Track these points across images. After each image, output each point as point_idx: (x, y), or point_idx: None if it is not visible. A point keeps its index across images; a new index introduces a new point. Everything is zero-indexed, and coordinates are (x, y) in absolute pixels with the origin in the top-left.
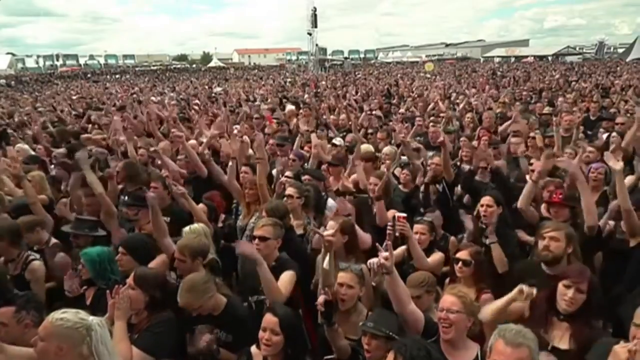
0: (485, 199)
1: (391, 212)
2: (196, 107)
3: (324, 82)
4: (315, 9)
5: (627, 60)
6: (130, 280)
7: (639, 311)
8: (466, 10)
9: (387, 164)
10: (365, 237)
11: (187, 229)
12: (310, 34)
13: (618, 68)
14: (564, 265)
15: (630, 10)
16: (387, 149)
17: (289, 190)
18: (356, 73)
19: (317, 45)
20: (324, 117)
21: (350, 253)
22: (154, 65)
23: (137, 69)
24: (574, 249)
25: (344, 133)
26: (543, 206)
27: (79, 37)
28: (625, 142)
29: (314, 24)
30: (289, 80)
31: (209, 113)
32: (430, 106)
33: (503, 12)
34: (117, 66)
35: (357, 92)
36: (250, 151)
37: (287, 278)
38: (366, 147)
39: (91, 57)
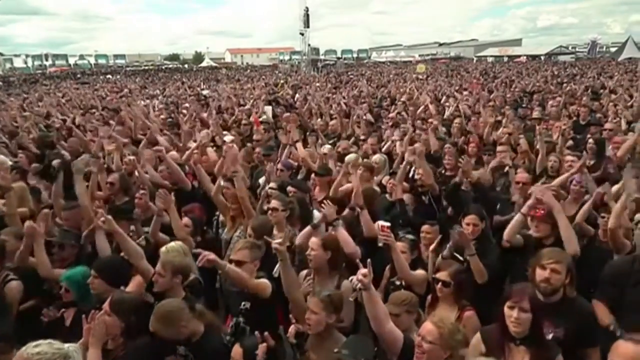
0: (471, 218)
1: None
2: (185, 111)
3: (316, 84)
4: (307, 9)
5: (619, 59)
6: (106, 306)
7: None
8: (459, 9)
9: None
10: (353, 249)
11: (163, 249)
12: (302, 34)
13: (610, 68)
14: (560, 295)
15: (622, 9)
16: (376, 157)
17: (273, 203)
18: (349, 73)
19: (309, 45)
20: (312, 122)
21: (334, 269)
22: (145, 65)
23: (128, 69)
24: (571, 280)
25: (334, 139)
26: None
27: (69, 36)
28: (620, 153)
29: (306, 24)
30: (281, 81)
31: (197, 119)
32: (421, 109)
33: (496, 11)
34: (108, 66)
35: (348, 95)
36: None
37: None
38: (351, 157)
39: (81, 57)
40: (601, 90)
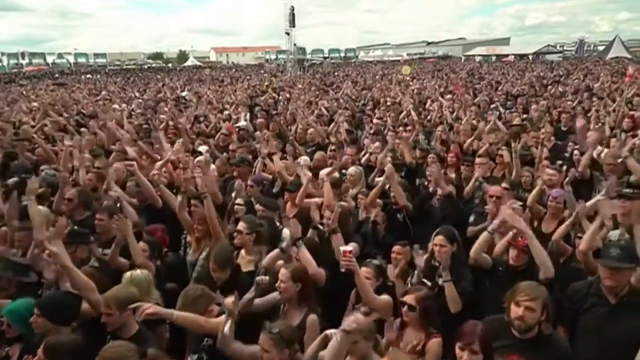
0: (438, 239)
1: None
2: (163, 116)
3: (300, 86)
4: (293, 8)
5: (606, 59)
6: (40, 352)
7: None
8: (449, 8)
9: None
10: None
11: (127, 275)
12: (288, 34)
13: (597, 69)
14: (535, 332)
15: (610, 7)
16: (351, 170)
17: (240, 226)
18: (335, 74)
19: (295, 45)
20: (291, 130)
21: (303, 301)
22: (127, 65)
23: (109, 68)
24: (547, 316)
25: (313, 148)
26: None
27: (48, 34)
28: (581, 165)
29: (292, 23)
30: (265, 84)
31: (172, 127)
32: (403, 114)
33: (485, 9)
34: (88, 65)
35: (331, 99)
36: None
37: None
38: (326, 171)
39: (60, 55)
40: (585, 94)
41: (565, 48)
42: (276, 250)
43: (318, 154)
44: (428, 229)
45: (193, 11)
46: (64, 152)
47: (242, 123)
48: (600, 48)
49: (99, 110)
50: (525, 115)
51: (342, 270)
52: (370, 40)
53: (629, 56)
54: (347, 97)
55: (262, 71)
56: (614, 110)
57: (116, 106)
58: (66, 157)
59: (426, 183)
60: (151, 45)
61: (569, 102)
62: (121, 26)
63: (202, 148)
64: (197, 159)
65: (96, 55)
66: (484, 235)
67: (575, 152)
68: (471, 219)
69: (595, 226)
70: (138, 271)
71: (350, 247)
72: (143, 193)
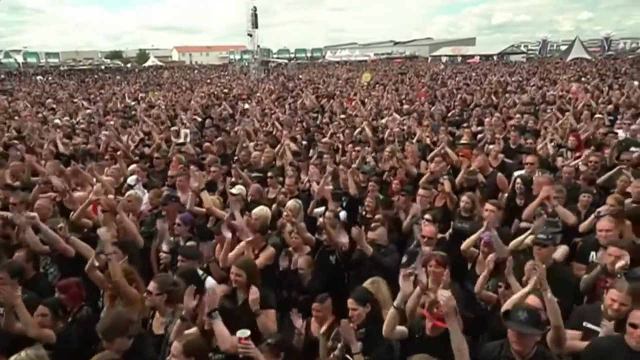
0: (349, 302)
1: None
2: (106, 133)
3: (259, 94)
4: (255, 9)
5: (567, 60)
6: None
7: None
8: (416, 6)
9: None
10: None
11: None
12: (250, 35)
13: (557, 72)
14: None
15: (573, 6)
16: (290, 204)
17: (150, 286)
18: (299, 76)
19: (259, 46)
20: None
21: None
22: (82, 65)
23: (62, 68)
24: None
25: (258, 172)
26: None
27: None
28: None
29: (255, 24)
30: (225, 90)
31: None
32: (357, 131)
33: (452, 8)
34: (38, 65)
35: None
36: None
37: None
38: (258, 211)
39: (7, 54)
40: (542, 105)
41: (529, 48)
42: (179, 322)
43: (252, 188)
44: (364, 274)
45: (154, 7)
46: None
47: (180, 140)
48: (563, 47)
49: (33, 127)
50: (480, 128)
51: (240, 356)
52: (338, 39)
53: (588, 57)
54: (303, 109)
55: (225, 73)
56: (562, 125)
57: (58, 121)
58: None
59: (364, 213)
60: (109, 43)
61: (518, 116)
62: (76, 22)
63: (131, 179)
64: (127, 194)
65: (48, 54)
66: (391, 313)
67: (518, 180)
68: (404, 259)
69: (522, 293)
70: (23, 353)
71: (246, 332)
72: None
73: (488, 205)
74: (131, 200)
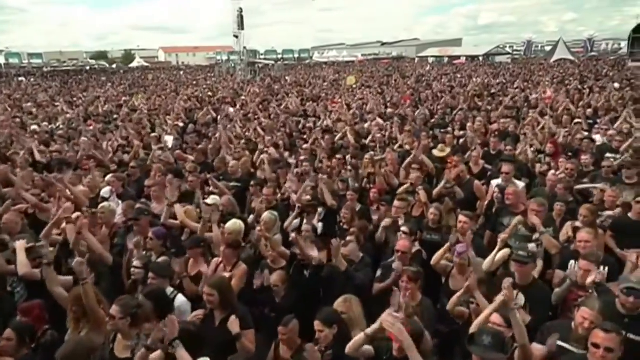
0: (316, 323)
1: None
2: (85, 139)
3: (243, 97)
4: (241, 10)
5: (551, 61)
6: None
7: None
8: (404, 6)
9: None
10: None
11: None
12: (236, 37)
13: (541, 73)
14: None
15: (557, 7)
16: (265, 216)
17: (112, 310)
18: (286, 77)
19: (245, 47)
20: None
21: None
22: (65, 66)
23: (45, 69)
24: None
25: (237, 183)
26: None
27: None
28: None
29: (241, 25)
30: (209, 93)
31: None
32: (338, 137)
33: (440, 9)
34: (21, 66)
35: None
36: None
37: None
38: (231, 225)
39: None
40: (525, 109)
41: (515, 48)
42: (143, 351)
43: (224, 199)
44: (336, 290)
45: (140, 7)
46: None
47: (162, 146)
48: (548, 48)
49: (9, 134)
50: (462, 132)
51: None
52: (327, 39)
53: (572, 58)
54: (287, 113)
55: (211, 74)
56: (541, 130)
57: (35, 127)
58: None
59: (341, 224)
60: (94, 44)
61: (502, 121)
62: (61, 22)
63: (104, 191)
64: (100, 206)
65: (31, 55)
66: (360, 337)
67: (496, 189)
68: (378, 272)
69: (487, 312)
70: None
71: None
72: None
73: (461, 217)
74: (104, 213)
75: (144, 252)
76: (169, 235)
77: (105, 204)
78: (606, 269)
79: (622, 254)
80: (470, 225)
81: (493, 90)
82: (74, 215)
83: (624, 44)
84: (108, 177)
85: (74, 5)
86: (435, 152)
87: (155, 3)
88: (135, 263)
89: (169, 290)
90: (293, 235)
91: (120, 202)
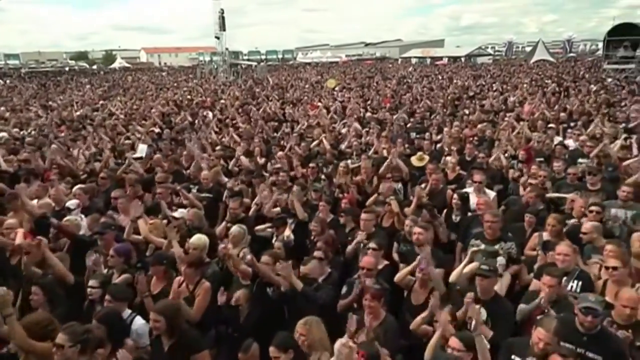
0: (270, 350)
1: None
2: (55, 146)
3: (223, 100)
4: (222, 11)
5: (531, 62)
6: None
7: None
8: (388, 7)
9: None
10: None
11: None
12: (218, 38)
13: (520, 75)
14: None
15: (538, 9)
16: (233, 230)
17: (58, 339)
18: (268, 78)
19: (227, 49)
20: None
21: None
22: (44, 67)
23: (23, 70)
24: None
25: (208, 193)
26: None
27: None
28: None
29: (222, 27)
30: (188, 97)
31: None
32: (314, 144)
33: (423, 9)
34: None
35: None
36: None
37: None
38: (196, 241)
39: None
40: (501, 112)
41: (496, 49)
42: None
43: (190, 212)
44: (300, 309)
45: (122, 6)
46: None
47: (137, 154)
48: (528, 49)
49: None
50: (439, 137)
51: None
52: (311, 40)
53: (551, 59)
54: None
55: (192, 76)
56: (516, 136)
57: (4, 134)
58: None
59: (312, 237)
60: (75, 44)
61: (480, 126)
62: (39, 22)
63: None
64: (64, 219)
65: (7, 56)
66: None
67: (455, 196)
68: (344, 289)
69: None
70: None
71: None
72: None
73: (416, 229)
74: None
75: (106, 270)
76: (133, 252)
77: (70, 217)
78: (579, 283)
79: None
80: (425, 236)
81: (472, 94)
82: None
83: (601, 45)
84: (75, 188)
85: (53, 5)
86: (414, 162)
87: (137, 3)
88: (92, 282)
89: (127, 312)
90: (248, 257)
91: (82, 216)
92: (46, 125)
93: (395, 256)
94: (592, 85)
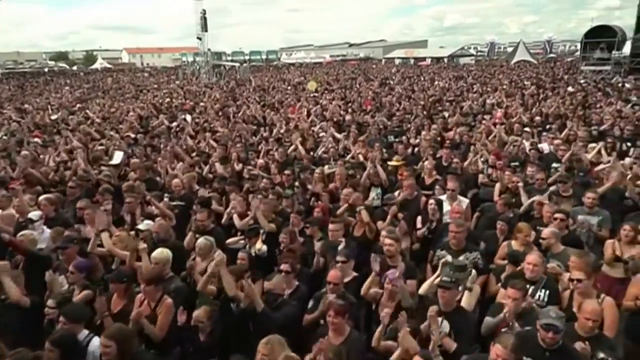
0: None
1: None
2: (26, 153)
3: (203, 103)
4: (204, 12)
5: (511, 63)
6: None
7: None
8: (372, 7)
9: None
10: None
11: None
12: (200, 39)
13: (501, 77)
14: None
15: (519, 10)
16: (200, 242)
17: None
18: (250, 79)
19: (209, 50)
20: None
21: None
22: (23, 67)
23: (0, 71)
24: None
25: (180, 201)
26: None
27: None
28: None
29: (204, 27)
30: (167, 99)
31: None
32: (291, 149)
33: (407, 10)
34: None
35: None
36: None
37: None
38: (158, 255)
39: None
40: (479, 116)
41: (479, 50)
42: None
43: (156, 224)
44: (264, 323)
45: (103, 5)
46: None
47: (112, 162)
48: (509, 49)
49: None
50: (418, 140)
51: None
52: (295, 40)
53: (532, 60)
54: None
55: (175, 77)
56: (492, 140)
57: None
58: None
59: (282, 247)
60: (54, 44)
61: (459, 130)
62: (18, 21)
63: (34, 214)
64: (20, 234)
65: None
66: None
67: (431, 201)
68: (310, 303)
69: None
70: None
71: None
72: None
73: (386, 240)
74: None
75: (65, 287)
76: (97, 266)
77: (26, 232)
78: (547, 292)
79: (554, 270)
80: (396, 247)
81: (452, 97)
82: None
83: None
84: (40, 198)
85: (32, 3)
86: (392, 163)
87: (118, 2)
88: (49, 302)
89: (84, 333)
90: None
91: (44, 228)
92: (17, 131)
93: (376, 267)
94: (569, 87)
